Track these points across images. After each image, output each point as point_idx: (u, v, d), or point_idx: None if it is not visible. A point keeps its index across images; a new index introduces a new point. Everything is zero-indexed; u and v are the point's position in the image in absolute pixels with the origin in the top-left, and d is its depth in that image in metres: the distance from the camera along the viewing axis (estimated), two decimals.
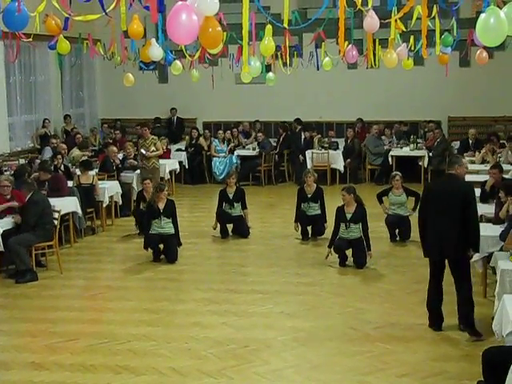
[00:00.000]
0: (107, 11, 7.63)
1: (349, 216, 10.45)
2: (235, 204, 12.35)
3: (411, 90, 18.96)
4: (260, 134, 18.08)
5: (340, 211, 10.56)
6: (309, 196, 12.01)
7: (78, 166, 13.87)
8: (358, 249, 10.40)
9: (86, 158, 14.82)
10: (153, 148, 14.14)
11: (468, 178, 12.28)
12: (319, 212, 11.98)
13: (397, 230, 11.85)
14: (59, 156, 13.55)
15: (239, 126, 19.10)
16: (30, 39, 9.96)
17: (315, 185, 12.09)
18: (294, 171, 17.95)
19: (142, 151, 14.05)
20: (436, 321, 7.91)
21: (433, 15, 10.53)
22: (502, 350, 6.19)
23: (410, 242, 11.62)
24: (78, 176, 12.89)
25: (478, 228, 7.69)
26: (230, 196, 12.39)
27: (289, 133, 18.18)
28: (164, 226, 10.90)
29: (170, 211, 11.01)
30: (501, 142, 15.82)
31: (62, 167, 13.39)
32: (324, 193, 12.20)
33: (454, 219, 7.55)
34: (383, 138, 17.96)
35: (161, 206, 10.94)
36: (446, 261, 7.80)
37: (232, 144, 18.14)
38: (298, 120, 18.59)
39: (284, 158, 18.09)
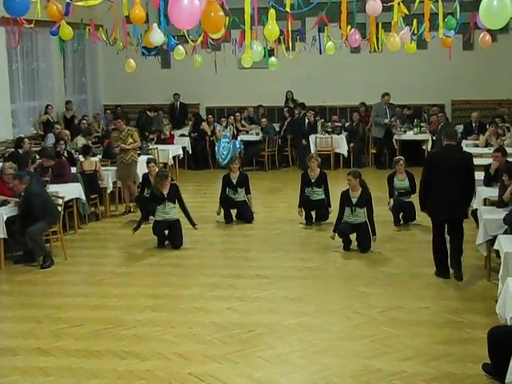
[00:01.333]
0: None
1: (354, 200, 10.43)
2: (239, 189, 12.34)
3: (414, 73, 18.87)
4: (264, 120, 18.02)
5: (345, 195, 10.54)
6: (312, 181, 11.99)
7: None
8: (362, 233, 10.40)
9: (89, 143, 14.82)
10: (130, 140, 13.13)
11: None
12: (323, 197, 11.96)
13: (401, 214, 11.86)
14: (62, 142, 13.57)
15: (244, 112, 19.03)
16: (32, 25, 9.91)
17: (319, 169, 12.06)
18: (297, 156, 17.91)
19: (122, 145, 13.14)
20: (444, 267, 8.93)
21: None
22: (507, 330, 6.20)
23: (414, 226, 11.63)
24: (81, 162, 12.85)
25: (475, 191, 9.32)
26: (234, 181, 12.38)
27: (294, 118, 18.13)
28: (169, 212, 10.89)
29: (174, 196, 11.01)
30: (506, 125, 15.75)
31: (65, 153, 13.39)
32: (328, 177, 12.18)
33: (459, 184, 8.65)
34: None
35: (164, 191, 10.93)
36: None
37: (231, 127, 17.97)
38: (301, 104, 18.57)
39: (287, 142, 18.02)
